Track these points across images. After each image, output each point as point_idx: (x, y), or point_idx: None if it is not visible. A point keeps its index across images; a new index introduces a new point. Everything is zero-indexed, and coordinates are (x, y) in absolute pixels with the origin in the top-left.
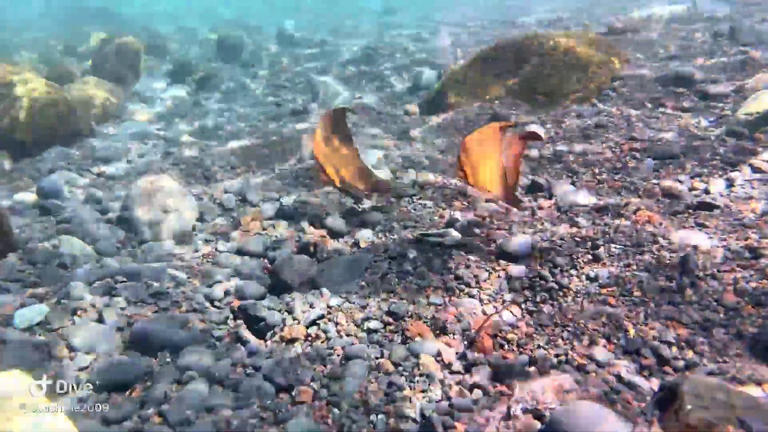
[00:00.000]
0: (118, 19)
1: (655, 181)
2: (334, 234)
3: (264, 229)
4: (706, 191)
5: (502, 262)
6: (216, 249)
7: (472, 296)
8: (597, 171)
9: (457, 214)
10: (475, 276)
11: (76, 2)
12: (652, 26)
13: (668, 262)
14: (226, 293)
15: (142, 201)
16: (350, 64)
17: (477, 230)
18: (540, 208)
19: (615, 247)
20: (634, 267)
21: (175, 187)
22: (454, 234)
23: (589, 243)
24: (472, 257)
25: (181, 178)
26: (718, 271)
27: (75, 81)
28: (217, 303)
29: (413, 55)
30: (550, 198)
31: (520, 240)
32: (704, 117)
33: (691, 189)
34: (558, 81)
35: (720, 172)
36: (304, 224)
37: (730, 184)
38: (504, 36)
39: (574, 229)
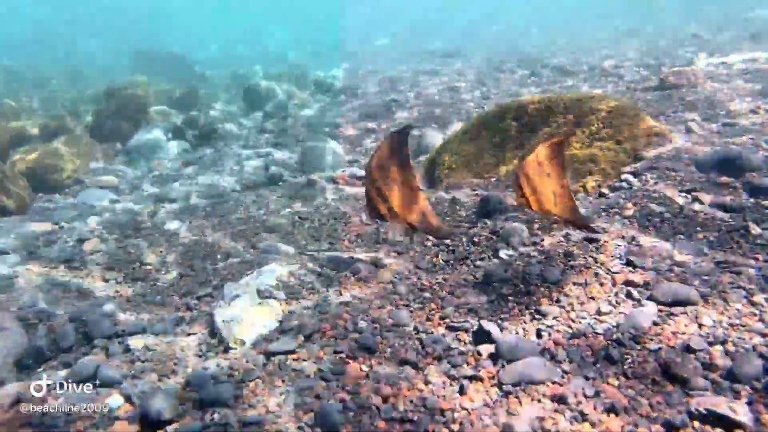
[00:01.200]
0: (188, 66)
1: (655, 345)
2: (151, 425)
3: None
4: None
5: None
6: None
7: None
8: (574, 317)
9: (343, 395)
10: None
11: (156, 49)
12: (718, 78)
13: None
14: None
15: None
16: (367, 119)
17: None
18: (475, 379)
19: None
20: None
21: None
22: None
23: None
24: None
25: (46, 293)
26: None
27: (61, 138)
28: None
29: (436, 107)
30: (496, 360)
31: None
32: (752, 222)
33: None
34: (571, 157)
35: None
36: (115, 399)
37: None
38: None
39: None
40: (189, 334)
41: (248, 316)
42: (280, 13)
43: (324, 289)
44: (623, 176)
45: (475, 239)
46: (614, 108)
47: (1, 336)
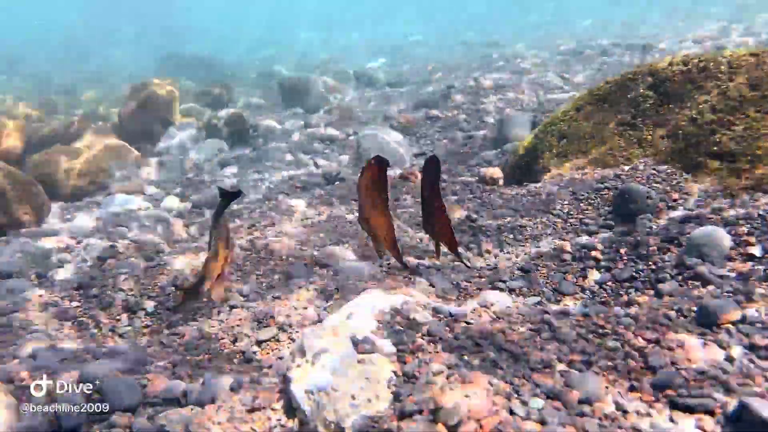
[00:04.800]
0: (216, 67)
1: None
2: None
3: None
4: None
5: None
6: None
7: None
8: None
9: None
10: None
11: (182, 53)
12: None
13: None
14: None
15: None
16: (420, 106)
17: None
18: None
19: None
20: None
21: None
22: None
23: None
24: None
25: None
26: None
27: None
28: None
29: (500, 94)
30: None
31: None
32: None
33: None
34: (749, 132)
35: None
36: None
37: None
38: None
39: None
40: (252, 410)
41: (343, 383)
42: (305, 15)
43: None
44: None
45: (642, 251)
46: None
47: None
